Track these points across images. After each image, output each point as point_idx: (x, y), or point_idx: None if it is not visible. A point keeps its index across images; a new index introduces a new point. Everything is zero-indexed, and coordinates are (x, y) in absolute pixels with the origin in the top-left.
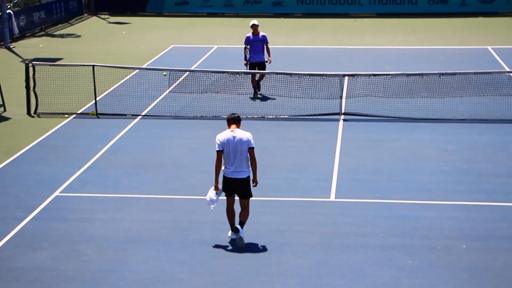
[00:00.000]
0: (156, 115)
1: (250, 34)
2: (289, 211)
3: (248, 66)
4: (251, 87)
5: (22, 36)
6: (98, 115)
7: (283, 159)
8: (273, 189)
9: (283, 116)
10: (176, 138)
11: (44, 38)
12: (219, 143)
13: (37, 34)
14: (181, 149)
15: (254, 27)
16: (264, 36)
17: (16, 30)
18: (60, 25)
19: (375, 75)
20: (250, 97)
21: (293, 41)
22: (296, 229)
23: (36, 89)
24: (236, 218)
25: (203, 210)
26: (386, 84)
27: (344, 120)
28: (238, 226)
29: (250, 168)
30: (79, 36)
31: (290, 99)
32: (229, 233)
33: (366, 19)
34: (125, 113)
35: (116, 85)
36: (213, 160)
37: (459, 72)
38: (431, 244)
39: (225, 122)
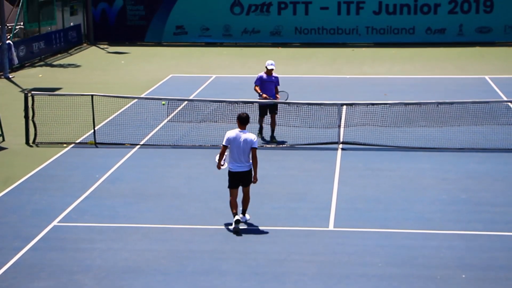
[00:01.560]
0: (155, 144)
1: (263, 73)
2: (288, 241)
3: (262, 97)
4: (257, 124)
5: (21, 66)
6: (96, 144)
7: (282, 188)
8: (271, 218)
9: (281, 146)
10: (175, 167)
11: (44, 68)
12: (226, 138)
13: (36, 64)
14: (180, 179)
15: (269, 70)
16: (277, 78)
17: (16, 60)
18: (59, 55)
19: (373, 104)
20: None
21: (291, 70)
22: (295, 259)
23: (35, 119)
24: (238, 217)
25: (202, 239)
26: (384, 113)
27: (342, 149)
28: (240, 218)
29: (251, 162)
30: (78, 66)
31: (288, 128)
32: (234, 223)
33: (364, 49)
34: (123, 142)
35: (115, 115)
36: (211, 190)
37: (457, 102)
38: (431, 273)
39: (215, 151)
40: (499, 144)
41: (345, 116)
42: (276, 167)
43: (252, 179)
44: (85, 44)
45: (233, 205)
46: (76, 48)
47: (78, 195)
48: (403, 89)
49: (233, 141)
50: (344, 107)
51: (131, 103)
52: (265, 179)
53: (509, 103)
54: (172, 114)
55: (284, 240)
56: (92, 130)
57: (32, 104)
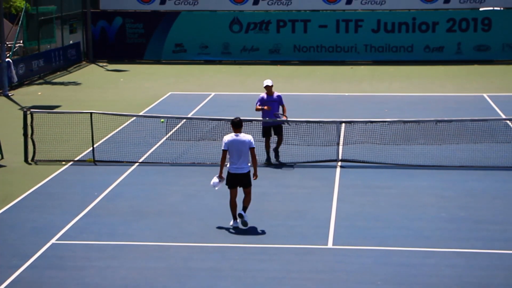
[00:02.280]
0: (153, 162)
1: (263, 94)
2: (287, 258)
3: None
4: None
5: (20, 84)
6: (95, 162)
7: (281, 206)
8: (270, 236)
9: (281, 163)
10: (173, 185)
11: (43, 85)
12: (224, 143)
13: (35, 82)
14: (178, 196)
15: (268, 88)
16: (279, 96)
17: (15, 78)
18: (58, 72)
19: (372, 122)
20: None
21: (290, 88)
22: (294, 277)
23: (34, 137)
24: (239, 212)
25: (200, 257)
26: (383, 131)
27: (341, 166)
28: (242, 212)
29: (250, 164)
30: (77, 83)
31: (287, 146)
32: (231, 222)
33: (362, 67)
34: (122, 160)
35: (113, 132)
36: (210, 207)
37: (456, 119)
38: None
39: (214, 169)
40: (498, 162)
41: (344, 133)
42: (275, 184)
43: (253, 176)
44: (84, 62)
45: (232, 206)
46: (75, 66)
47: (77, 213)
48: (401, 107)
49: (230, 144)
50: (343, 124)
51: (130, 120)
52: (264, 196)
53: (508, 121)
54: (171, 132)
55: (283, 258)
56: (91, 148)
57: (31, 122)
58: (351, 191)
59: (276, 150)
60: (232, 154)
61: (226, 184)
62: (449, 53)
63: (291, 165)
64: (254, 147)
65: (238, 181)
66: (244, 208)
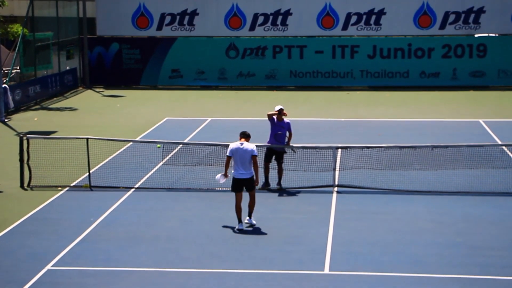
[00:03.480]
0: (150, 188)
1: (275, 117)
2: (283, 284)
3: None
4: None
5: (17, 110)
6: (91, 187)
7: (277, 231)
8: (266, 262)
9: (277, 188)
10: (170, 211)
11: (39, 111)
12: (229, 150)
13: (32, 108)
14: (175, 222)
15: (281, 112)
16: (288, 124)
17: (11, 104)
18: (55, 98)
19: (368, 147)
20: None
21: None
22: None
23: (30, 162)
24: (244, 216)
25: (197, 283)
26: (379, 156)
27: (337, 192)
28: (247, 219)
29: (252, 170)
30: (74, 109)
31: (284, 171)
32: (237, 226)
33: (358, 92)
34: (118, 185)
35: (110, 158)
36: (206, 233)
37: (452, 145)
38: None
39: (218, 194)
40: (494, 188)
41: (340, 159)
42: (271, 210)
43: (254, 183)
44: (81, 88)
45: (238, 210)
46: (72, 91)
47: (73, 238)
48: (397, 133)
49: (235, 152)
50: (339, 150)
51: (126, 146)
52: (260, 221)
53: (504, 147)
54: (167, 157)
55: (279, 283)
56: (87, 173)
57: (28, 148)
58: (348, 216)
59: (279, 182)
60: (236, 161)
61: (232, 189)
62: (445, 79)
63: (287, 191)
64: (256, 155)
65: (242, 186)
66: (250, 214)
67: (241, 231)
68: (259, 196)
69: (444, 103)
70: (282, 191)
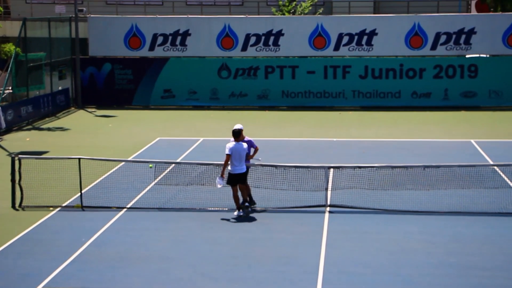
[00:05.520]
0: (142, 208)
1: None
2: None
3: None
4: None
5: (9, 130)
6: (83, 207)
7: (269, 251)
8: (259, 282)
9: (268, 208)
10: (162, 231)
11: (31, 131)
12: (228, 148)
13: (24, 128)
14: (167, 242)
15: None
16: (249, 141)
17: (3, 124)
18: (47, 118)
19: (360, 167)
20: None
21: (278, 133)
22: None
23: (22, 182)
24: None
25: None
26: (371, 176)
27: (329, 212)
28: (247, 203)
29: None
30: (66, 129)
31: (275, 191)
32: (235, 212)
33: (350, 112)
34: (110, 205)
35: (101, 178)
36: (199, 253)
37: (444, 165)
38: None
39: (210, 214)
40: (486, 208)
41: (332, 179)
42: (263, 230)
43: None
44: (73, 108)
45: (236, 199)
46: (64, 111)
47: (64, 259)
48: (389, 152)
49: (234, 150)
50: (331, 170)
51: (118, 166)
52: (252, 242)
53: (495, 167)
54: (159, 177)
55: None
56: (79, 194)
57: (19, 168)
58: (340, 236)
59: (249, 197)
60: (235, 157)
61: (229, 183)
62: (436, 99)
63: (279, 211)
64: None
65: (238, 179)
66: (244, 200)
67: (233, 251)
68: (250, 216)
69: (435, 123)
70: (271, 210)
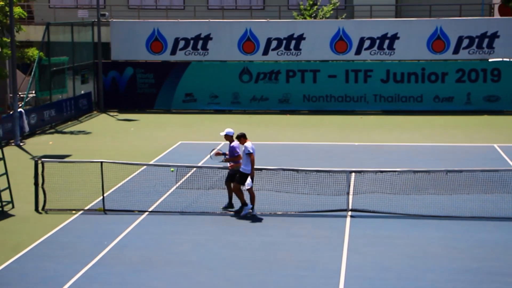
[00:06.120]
0: (163, 211)
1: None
2: None
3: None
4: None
5: (32, 134)
6: (105, 211)
7: (290, 255)
8: (280, 286)
9: (290, 212)
10: (183, 234)
11: (54, 135)
12: (252, 149)
13: (47, 132)
14: (188, 246)
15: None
16: (231, 147)
17: (27, 128)
18: (70, 122)
19: (381, 171)
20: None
21: (299, 137)
22: None
23: (45, 186)
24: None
25: None
26: (393, 180)
27: (351, 216)
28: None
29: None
30: (88, 133)
31: (297, 195)
32: (246, 210)
33: (372, 116)
34: (132, 209)
35: (123, 181)
36: (220, 257)
37: (466, 170)
38: None
39: (232, 218)
40: (509, 213)
41: (354, 183)
42: (284, 234)
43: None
44: (95, 112)
45: (241, 194)
46: (86, 115)
47: (87, 262)
48: (411, 157)
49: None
50: (353, 174)
51: (140, 169)
52: (273, 246)
53: None
54: (181, 181)
55: None
56: (101, 197)
57: (42, 171)
58: (362, 241)
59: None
60: (247, 158)
61: (242, 182)
62: (459, 104)
63: (300, 215)
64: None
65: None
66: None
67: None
68: (271, 220)
69: (458, 127)
70: (293, 214)
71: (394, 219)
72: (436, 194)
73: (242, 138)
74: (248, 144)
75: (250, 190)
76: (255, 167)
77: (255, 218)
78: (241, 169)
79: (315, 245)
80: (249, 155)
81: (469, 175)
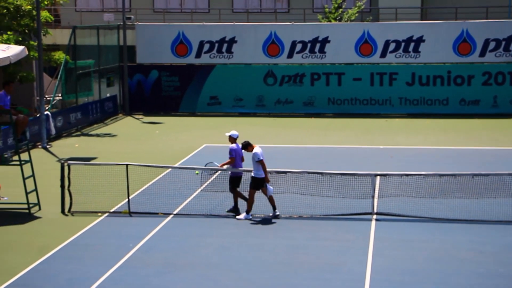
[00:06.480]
0: (188, 214)
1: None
2: None
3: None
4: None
5: (58, 136)
6: (130, 213)
7: (315, 259)
8: None
9: (314, 215)
10: (208, 237)
11: (80, 138)
12: (261, 153)
13: (73, 134)
14: (213, 248)
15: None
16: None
17: (53, 131)
18: (95, 125)
19: (407, 175)
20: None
21: (324, 140)
22: None
23: (71, 188)
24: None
25: None
26: (419, 184)
27: (376, 220)
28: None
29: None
30: (113, 135)
31: (321, 198)
32: (243, 215)
33: (397, 119)
34: (157, 211)
35: (149, 184)
36: (244, 260)
37: (493, 173)
38: None
39: (256, 220)
40: None
41: (379, 186)
42: (308, 237)
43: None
44: (120, 115)
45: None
46: (112, 118)
47: (112, 264)
48: (437, 160)
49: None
50: (378, 177)
51: (165, 172)
52: (298, 249)
53: None
54: (206, 184)
55: None
56: (127, 199)
57: (68, 174)
58: (387, 244)
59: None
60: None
61: (256, 187)
62: (485, 107)
63: (325, 218)
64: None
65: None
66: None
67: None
68: (296, 223)
69: (484, 130)
70: (317, 218)
71: (420, 223)
72: (463, 198)
73: (248, 146)
74: (257, 150)
75: (271, 198)
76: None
77: (279, 221)
78: (253, 175)
79: (340, 248)
80: (260, 162)
81: (496, 178)
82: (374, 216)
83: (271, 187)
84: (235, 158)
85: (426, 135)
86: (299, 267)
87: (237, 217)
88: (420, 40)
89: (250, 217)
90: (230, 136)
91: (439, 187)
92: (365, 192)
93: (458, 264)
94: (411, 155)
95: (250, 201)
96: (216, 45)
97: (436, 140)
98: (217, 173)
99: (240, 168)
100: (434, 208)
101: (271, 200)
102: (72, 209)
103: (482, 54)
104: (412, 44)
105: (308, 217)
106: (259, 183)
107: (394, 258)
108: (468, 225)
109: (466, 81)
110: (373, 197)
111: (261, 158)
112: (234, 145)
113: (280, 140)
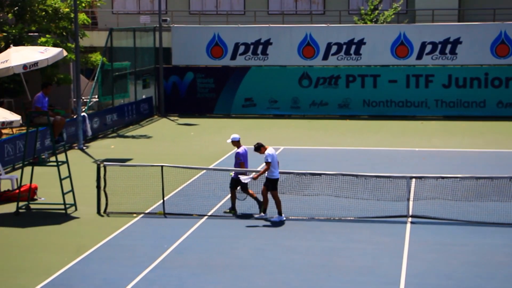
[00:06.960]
0: (223, 215)
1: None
2: None
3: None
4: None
5: (95, 137)
6: (165, 214)
7: (350, 262)
8: None
9: (349, 218)
10: (242, 239)
11: (116, 139)
12: (270, 156)
13: (109, 136)
14: (247, 250)
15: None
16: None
17: (90, 132)
18: (131, 126)
19: (443, 177)
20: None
21: (359, 142)
22: None
23: (106, 189)
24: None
25: None
26: (455, 187)
27: (411, 222)
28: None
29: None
30: (149, 137)
31: (356, 201)
32: (261, 215)
33: (433, 122)
34: (192, 213)
35: (183, 185)
36: (278, 261)
37: None
38: None
39: (290, 222)
40: None
41: (415, 189)
42: (343, 239)
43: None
44: (156, 116)
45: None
46: (147, 119)
47: (147, 265)
48: (474, 163)
49: (274, 157)
50: (413, 180)
51: (200, 174)
52: (332, 251)
53: None
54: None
55: None
56: (162, 201)
57: (104, 175)
58: (422, 247)
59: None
60: (274, 164)
61: (275, 188)
62: None
63: (359, 220)
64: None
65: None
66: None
67: (309, 260)
68: (329, 225)
69: None
70: (352, 220)
71: (456, 226)
72: (499, 201)
73: (261, 148)
74: (269, 150)
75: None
76: (264, 174)
77: (313, 223)
78: (268, 176)
79: (374, 251)
80: (267, 163)
81: None
82: (410, 219)
83: (246, 177)
84: (244, 163)
85: (462, 137)
86: (333, 270)
87: (257, 216)
88: (457, 41)
89: (284, 218)
90: (232, 141)
91: (476, 190)
92: (400, 194)
93: (495, 268)
94: (447, 158)
95: (278, 202)
96: (251, 47)
97: (473, 142)
98: (251, 175)
99: (241, 169)
100: (470, 211)
101: (253, 195)
102: (108, 210)
103: None
104: (449, 46)
105: (343, 220)
106: (275, 184)
107: (429, 262)
108: (504, 228)
109: (504, 83)
110: (408, 199)
111: (269, 160)
112: (240, 149)
113: (315, 142)
